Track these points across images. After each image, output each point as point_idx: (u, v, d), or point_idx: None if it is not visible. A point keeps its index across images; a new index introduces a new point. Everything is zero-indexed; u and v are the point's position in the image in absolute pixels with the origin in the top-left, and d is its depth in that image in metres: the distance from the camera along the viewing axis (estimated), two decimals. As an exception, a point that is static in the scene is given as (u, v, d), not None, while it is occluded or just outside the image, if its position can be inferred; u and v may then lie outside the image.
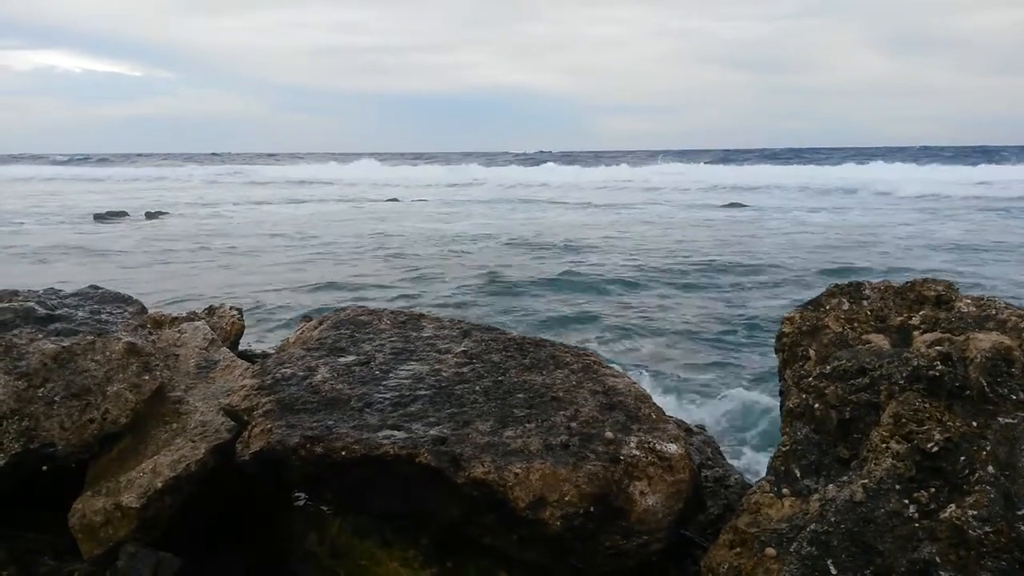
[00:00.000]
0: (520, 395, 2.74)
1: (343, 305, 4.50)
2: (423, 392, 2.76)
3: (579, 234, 18.80)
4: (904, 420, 2.21)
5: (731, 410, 6.28)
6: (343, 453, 2.47)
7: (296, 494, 3.00)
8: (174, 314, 4.13)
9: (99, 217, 23.31)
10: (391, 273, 13.40)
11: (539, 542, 2.41)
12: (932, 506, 2.05)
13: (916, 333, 2.63)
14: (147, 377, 3.06)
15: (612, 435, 2.51)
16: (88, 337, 3.06)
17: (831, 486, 2.21)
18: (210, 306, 4.47)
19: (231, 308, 4.40)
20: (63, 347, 2.98)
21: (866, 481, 2.14)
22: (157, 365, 3.15)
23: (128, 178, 52.58)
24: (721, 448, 3.93)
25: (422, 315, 3.50)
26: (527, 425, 2.56)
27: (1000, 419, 2.17)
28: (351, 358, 3.01)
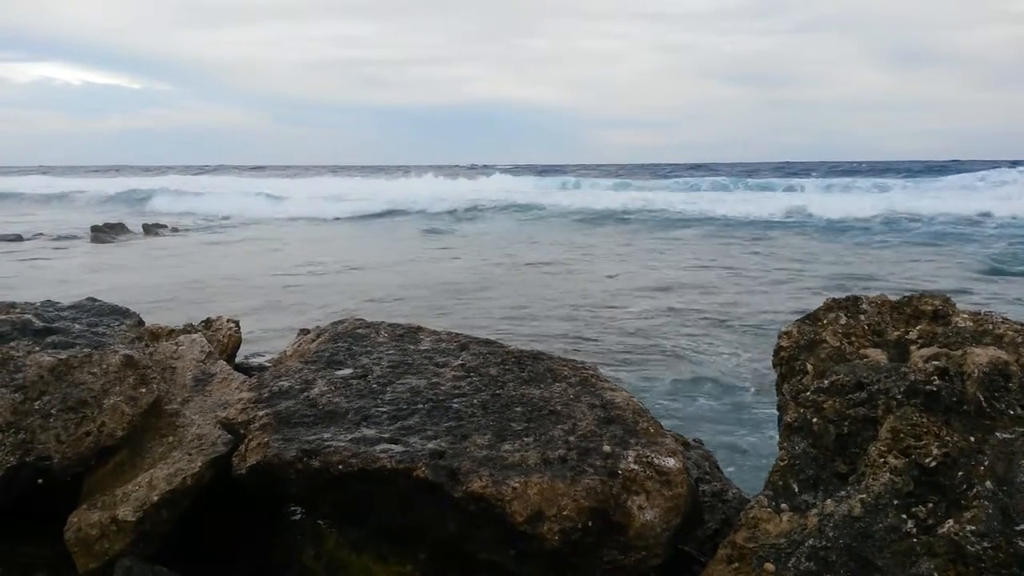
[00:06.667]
0: (518, 409, 2.73)
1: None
2: (421, 406, 2.75)
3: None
4: (902, 435, 2.21)
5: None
6: (340, 467, 2.47)
7: (292, 508, 2.99)
8: (171, 327, 4.12)
9: None
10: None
11: (537, 557, 2.40)
12: (930, 521, 2.05)
13: (913, 348, 2.64)
14: (144, 390, 3.06)
15: (610, 449, 2.51)
16: (85, 350, 3.05)
17: (829, 501, 2.21)
18: (207, 318, 4.45)
19: (228, 320, 4.38)
20: (60, 360, 2.97)
21: (864, 496, 2.14)
22: (154, 378, 3.15)
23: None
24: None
25: (420, 328, 3.50)
26: (525, 439, 2.55)
27: (998, 434, 2.17)
28: (348, 371, 3.01)
